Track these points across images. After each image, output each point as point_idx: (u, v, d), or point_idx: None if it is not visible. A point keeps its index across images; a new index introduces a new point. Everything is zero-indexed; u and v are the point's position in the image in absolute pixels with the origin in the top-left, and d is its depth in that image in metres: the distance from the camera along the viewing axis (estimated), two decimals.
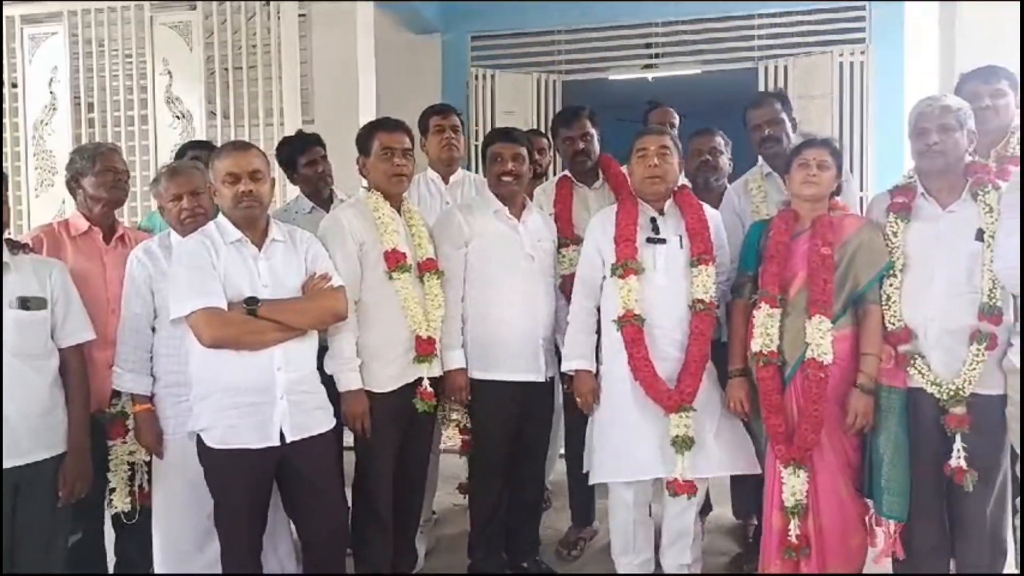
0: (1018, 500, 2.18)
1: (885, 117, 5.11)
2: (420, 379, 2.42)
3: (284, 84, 4.47)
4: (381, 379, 2.38)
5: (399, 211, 2.49)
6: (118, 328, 2.25)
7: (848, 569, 2.31)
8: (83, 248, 2.37)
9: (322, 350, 2.29)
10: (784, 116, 2.81)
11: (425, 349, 2.41)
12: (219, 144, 4.26)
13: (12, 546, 1.99)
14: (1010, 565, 2.29)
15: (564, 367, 2.57)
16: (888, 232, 2.26)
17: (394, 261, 2.38)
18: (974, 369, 2.12)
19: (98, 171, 2.41)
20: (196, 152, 2.92)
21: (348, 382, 2.31)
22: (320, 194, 3.09)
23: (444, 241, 2.57)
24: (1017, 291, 2.08)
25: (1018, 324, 2.13)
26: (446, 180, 3.07)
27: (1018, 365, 2.08)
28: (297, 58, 4.45)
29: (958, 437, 2.15)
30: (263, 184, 2.15)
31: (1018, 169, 2.19)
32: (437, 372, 2.48)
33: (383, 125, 2.49)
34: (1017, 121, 2.45)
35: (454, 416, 2.64)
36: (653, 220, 2.49)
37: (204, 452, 2.12)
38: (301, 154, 3.06)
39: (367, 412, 2.33)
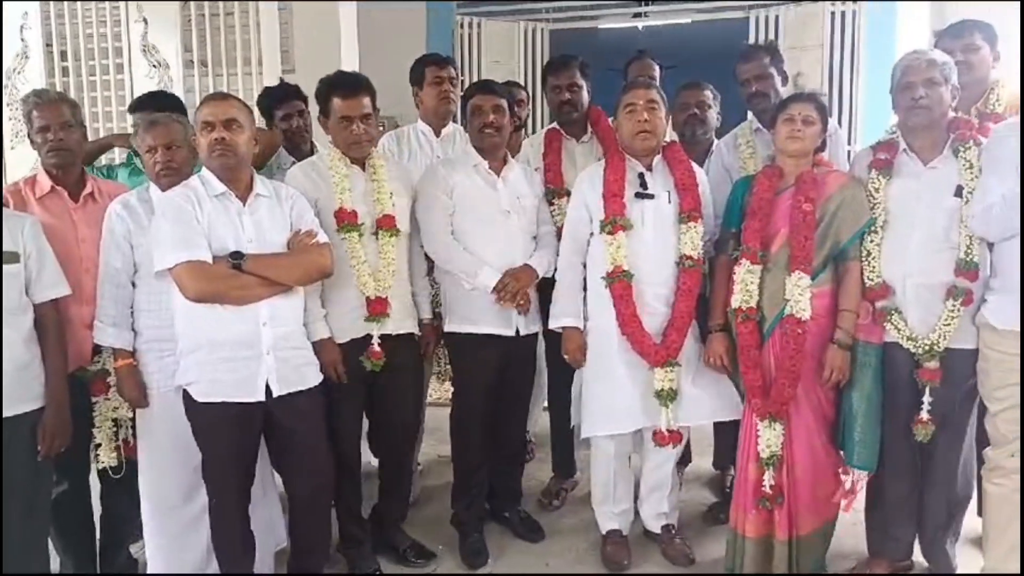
0: (985, 451, 2.23)
1: (877, 69, 5.05)
2: (370, 337, 2.40)
3: (263, 31, 4.35)
4: (337, 332, 2.36)
5: (363, 167, 2.45)
6: (97, 283, 2.22)
7: (820, 518, 2.38)
8: (50, 208, 2.27)
9: None
10: (773, 70, 2.76)
11: (375, 309, 2.38)
12: (196, 95, 4.23)
13: None
14: (971, 512, 2.38)
15: (552, 325, 2.58)
16: (870, 188, 2.26)
17: (341, 220, 2.34)
18: (949, 324, 2.16)
19: (36, 130, 2.27)
20: (156, 104, 2.63)
21: (318, 331, 2.30)
22: (300, 149, 3.02)
23: (430, 190, 2.54)
24: (990, 237, 2.10)
25: (993, 280, 2.16)
26: (437, 133, 3.02)
27: (991, 321, 2.12)
28: (275, 4, 4.32)
29: (927, 390, 2.19)
30: (239, 134, 2.10)
31: (997, 125, 2.18)
32: (390, 330, 2.44)
33: (340, 88, 2.37)
34: (995, 76, 2.43)
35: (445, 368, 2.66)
36: (641, 176, 2.48)
37: (191, 406, 2.13)
38: (278, 106, 2.99)
39: (339, 359, 2.33)
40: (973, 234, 2.13)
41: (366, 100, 2.39)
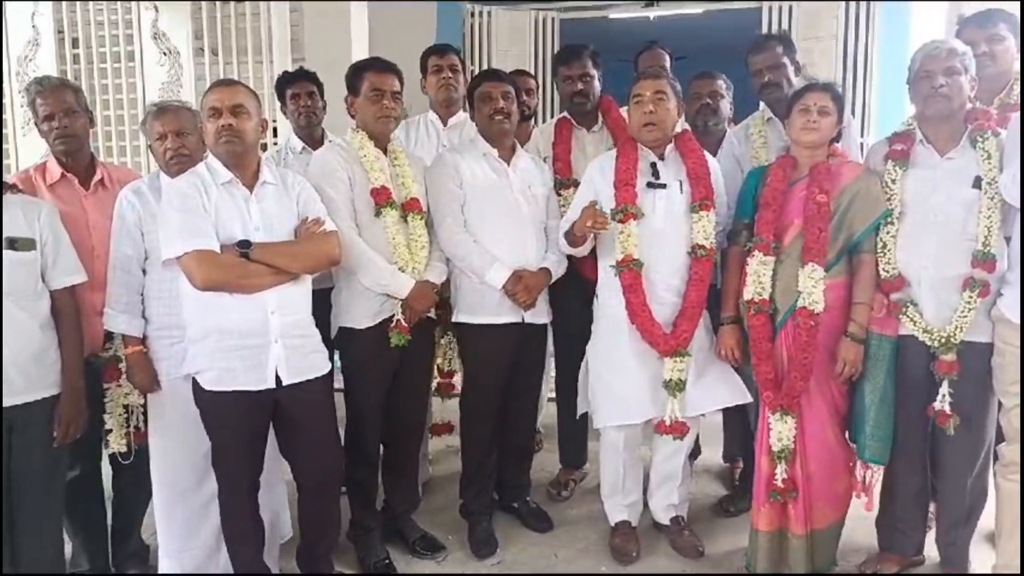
0: (1000, 447, 2.21)
1: (890, 61, 4.99)
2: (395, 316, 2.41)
3: (273, 20, 4.35)
4: (361, 316, 2.38)
5: (385, 151, 2.46)
6: (108, 270, 2.22)
7: (834, 512, 2.36)
8: (61, 195, 2.27)
9: (315, 295, 2.28)
10: (786, 60, 2.74)
11: None
12: (207, 82, 4.23)
13: (10, 487, 2.01)
14: (988, 511, 2.35)
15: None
16: (886, 180, 2.24)
17: (381, 198, 2.37)
18: (966, 316, 2.14)
19: (41, 118, 2.27)
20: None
21: (403, 283, 2.35)
22: (312, 134, 3.06)
23: (441, 180, 2.53)
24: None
25: (1009, 274, 2.13)
26: (445, 122, 3.03)
27: (1007, 315, 2.09)
28: (287, 4, 4.32)
29: (945, 383, 2.17)
30: (246, 120, 2.09)
31: (1017, 115, 2.16)
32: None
33: (373, 66, 2.44)
34: (1018, 67, 2.40)
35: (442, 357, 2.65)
36: (653, 165, 2.46)
37: (200, 394, 2.13)
38: (290, 86, 3.05)
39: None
40: (992, 227, 2.10)
41: (395, 81, 2.44)
